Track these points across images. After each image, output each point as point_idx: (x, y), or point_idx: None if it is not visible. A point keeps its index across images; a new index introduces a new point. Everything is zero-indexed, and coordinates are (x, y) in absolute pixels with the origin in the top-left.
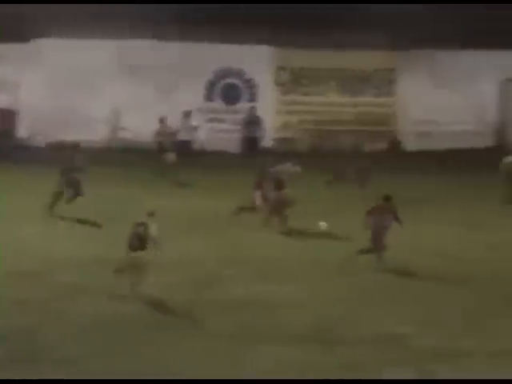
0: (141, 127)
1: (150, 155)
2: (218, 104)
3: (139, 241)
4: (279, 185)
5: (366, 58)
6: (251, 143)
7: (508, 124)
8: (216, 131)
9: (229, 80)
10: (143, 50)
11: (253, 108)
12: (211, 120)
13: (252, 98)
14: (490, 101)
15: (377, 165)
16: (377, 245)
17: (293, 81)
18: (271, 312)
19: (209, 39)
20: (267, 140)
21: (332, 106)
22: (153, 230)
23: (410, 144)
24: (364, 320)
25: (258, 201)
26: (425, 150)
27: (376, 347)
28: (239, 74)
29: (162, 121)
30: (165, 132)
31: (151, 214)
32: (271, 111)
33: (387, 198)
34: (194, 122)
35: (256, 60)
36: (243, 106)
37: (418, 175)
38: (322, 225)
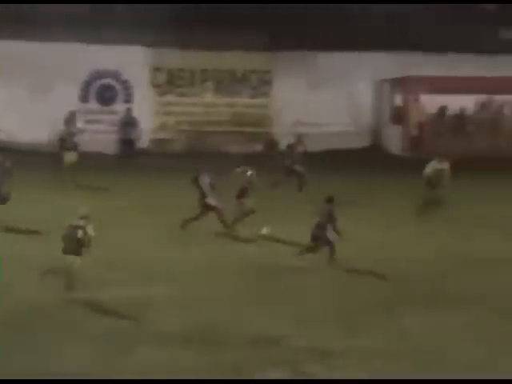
0: (16, 128)
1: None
2: (94, 105)
3: (76, 244)
4: (242, 193)
5: (242, 59)
6: (127, 145)
7: (382, 124)
8: (93, 132)
9: (104, 81)
10: (17, 50)
11: (129, 109)
12: (88, 121)
13: (128, 99)
14: (365, 101)
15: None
16: (319, 243)
17: (169, 82)
18: (151, 313)
19: (83, 40)
20: (144, 141)
21: (208, 107)
22: (91, 231)
23: None
24: (247, 321)
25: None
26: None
27: (255, 348)
28: (115, 74)
29: (67, 119)
30: (69, 131)
31: (85, 217)
32: (148, 112)
33: (329, 200)
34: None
35: (132, 61)
36: (120, 107)
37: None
38: (265, 229)
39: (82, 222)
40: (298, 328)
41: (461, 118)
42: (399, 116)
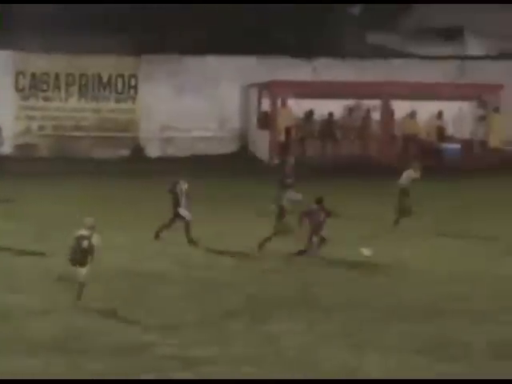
0: None
1: None
2: None
3: (83, 255)
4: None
5: (108, 63)
6: None
7: (250, 129)
8: None
9: None
10: None
11: None
12: None
13: None
14: (233, 106)
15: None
16: (311, 241)
17: (32, 86)
18: (15, 321)
19: None
20: (7, 147)
21: (73, 112)
22: (96, 241)
23: (154, 150)
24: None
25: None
26: (168, 156)
27: (123, 356)
28: None
29: None
30: None
31: (92, 227)
32: (11, 117)
33: (319, 201)
34: None
35: None
36: None
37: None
38: (365, 250)
39: (87, 233)
40: (165, 335)
41: (329, 122)
42: (266, 121)
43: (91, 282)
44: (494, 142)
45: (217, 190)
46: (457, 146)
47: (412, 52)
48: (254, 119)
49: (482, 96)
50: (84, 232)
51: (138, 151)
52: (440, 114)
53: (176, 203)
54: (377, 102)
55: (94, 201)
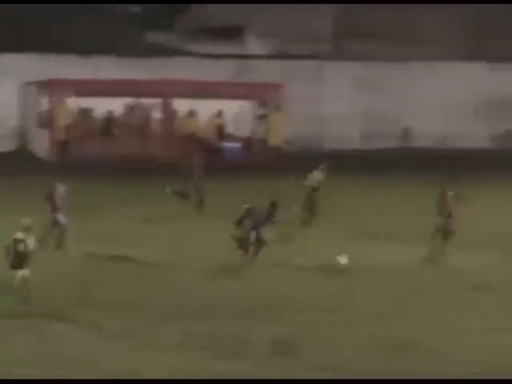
0: None
1: None
2: None
3: (20, 258)
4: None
5: None
6: None
7: (29, 127)
8: None
9: None
10: None
11: None
12: None
13: None
14: (11, 104)
15: None
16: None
17: None
18: None
19: None
20: None
21: None
22: (31, 244)
23: None
24: None
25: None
26: None
27: None
28: None
29: None
30: None
31: (28, 229)
32: None
33: (273, 204)
34: None
35: None
36: None
37: None
38: (341, 258)
39: (22, 236)
40: None
41: (108, 120)
42: (45, 119)
43: None
44: (274, 140)
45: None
46: (237, 144)
47: (193, 51)
48: (33, 117)
49: (263, 95)
50: (19, 235)
51: None
52: (220, 113)
53: (54, 209)
54: (157, 101)
55: None
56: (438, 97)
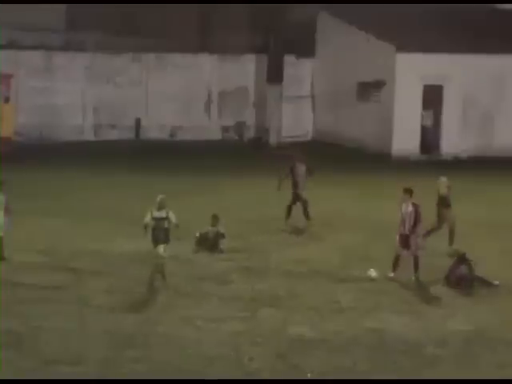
0: None
1: None
2: None
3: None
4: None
5: None
6: None
7: None
8: None
9: None
10: None
11: None
12: None
13: None
14: None
15: None
16: None
17: None
18: None
19: None
20: None
21: None
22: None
23: None
24: None
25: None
26: None
27: None
28: None
29: None
30: None
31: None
32: None
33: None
34: None
35: None
36: None
37: None
38: (372, 271)
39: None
40: None
41: None
42: None
43: None
44: (6, 131)
45: None
46: None
47: None
48: None
49: None
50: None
51: None
52: None
53: None
54: None
55: None
56: (169, 89)
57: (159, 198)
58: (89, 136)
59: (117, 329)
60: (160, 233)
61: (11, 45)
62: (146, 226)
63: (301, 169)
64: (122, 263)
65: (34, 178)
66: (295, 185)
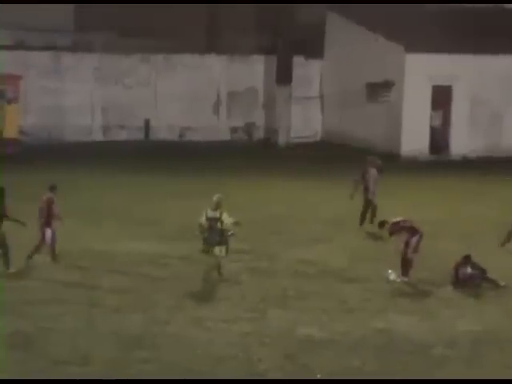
0: None
1: None
2: None
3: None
4: None
5: None
6: None
7: None
8: None
9: None
10: None
11: None
12: None
13: None
14: None
15: None
16: None
17: None
18: None
19: None
20: None
21: None
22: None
23: None
24: None
25: None
26: None
27: None
28: None
29: None
30: None
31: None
32: None
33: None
34: None
35: None
36: None
37: None
38: (390, 273)
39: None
40: None
41: None
42: None
43: None
44: (10, 132)
45: None
46: None
47: None
48: None
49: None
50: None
51: None
52: None
53: None
54: None
55: None
56: (178, 89)
57: (216, 197)
58: (97, 136)
59: (125, 329)
60: (213, 234)
61: (20, 46)
62: (200, 226)
63: (372, 173)
64: (130, 263)
65: (43, 178)
66: (366, 189)
